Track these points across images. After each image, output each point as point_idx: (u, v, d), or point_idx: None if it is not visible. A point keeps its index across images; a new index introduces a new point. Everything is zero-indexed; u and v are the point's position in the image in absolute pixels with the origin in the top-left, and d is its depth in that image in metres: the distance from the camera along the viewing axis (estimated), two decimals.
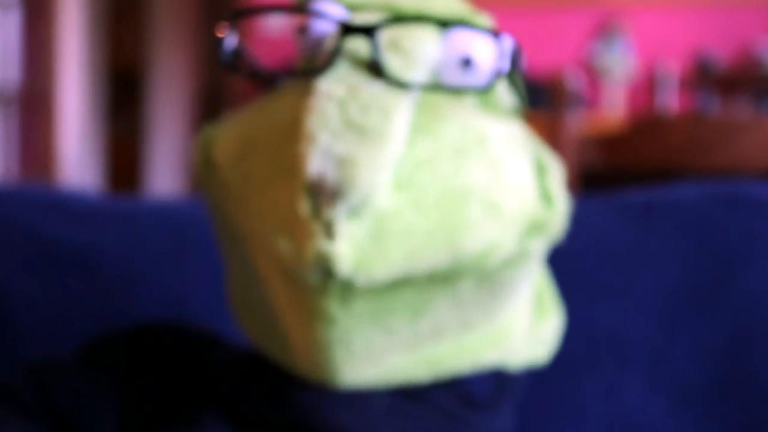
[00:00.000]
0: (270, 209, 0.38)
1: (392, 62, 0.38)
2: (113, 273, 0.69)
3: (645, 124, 1.13)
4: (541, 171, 0.43)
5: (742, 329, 0.62)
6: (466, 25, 0.40)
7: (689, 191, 0.68)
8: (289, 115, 0.39)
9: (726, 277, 0.63)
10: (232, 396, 0.47)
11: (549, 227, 0.41)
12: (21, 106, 3.43)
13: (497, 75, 0.40)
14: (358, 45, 0.38)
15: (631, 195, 0.69)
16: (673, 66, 2.57)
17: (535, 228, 0.40)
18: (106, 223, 0.71)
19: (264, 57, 0.47)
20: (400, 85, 0.37)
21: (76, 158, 3.73)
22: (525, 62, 0.42)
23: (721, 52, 3.15)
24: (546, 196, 0.42)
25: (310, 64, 0.42)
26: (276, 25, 3.54)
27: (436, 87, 0.39)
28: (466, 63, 0.40)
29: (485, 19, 0.44)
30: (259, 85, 0.47)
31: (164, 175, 4.58)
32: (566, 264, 0.62)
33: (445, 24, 0.40)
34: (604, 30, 3.38)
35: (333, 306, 0.38)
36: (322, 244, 0.35)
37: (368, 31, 0.37)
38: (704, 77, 2.16)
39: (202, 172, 0.44)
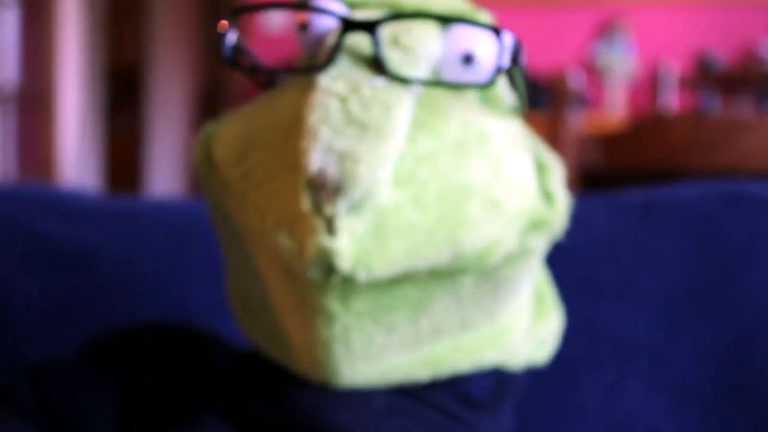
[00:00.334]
0: (271, 205, 0.38)
1: (393, 58, 0.38)
2: (112, 273, 0.68)
3: (646, 123, 1.13)
4: (541, 169, 0.43)
5: (743, 329, 0.62)
6: (466, 21, 0.40)
7: (690, 191, 0.68)
8: (290, 111, 0.39)
9: (727, 276, 0.63)
10: (232, 396, 0.47)
11: (550, 225, 0.41)
12: (19, 106, 3.43)
13: (498, 71, 0.40)
14: (359, 41, 0.38)
15: (631, 194, 0.69)
16: (675, 66, 2.57)
17: (535, 225, 0.40)
18: (106, 222, 0.71)
19: (264, 55, 0.47)
20: (401, 81, 0.37)
21: (75, 158, 3.73)
22: (526, 61, 0.42)
23: (723, 52, 3.15)
24: (546, 194, 0.42)
25: (311, 60, 0.42)
26: (275, 23, 3.54)
27: (437, 83, 0.39)
28: (467, 59, 0.40)
29: (486, 16, 0.44)
30: (259, 82, 0.46)
31: (164, 175, 4.58)
32: (567, 264, 0.62)
33: (445, 20, 0.40)
34: (605, 29, 3.38)
35: (333, 303, 0.38)
36: (323, 239, 0.35)
37: (369, 27, 0.38)
38: (706, 77, 2.16)
39: (203, 169, 0.44)
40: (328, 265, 0.35)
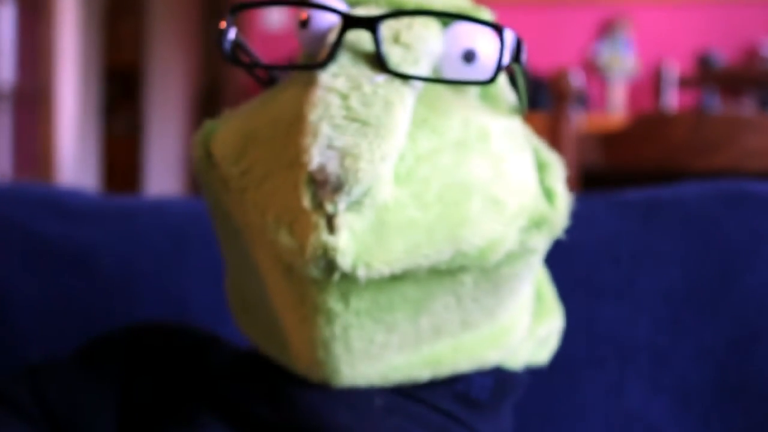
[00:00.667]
0: (271, 203, 0.38)
1: (394, 55, 0.37)
2: (112, 272, 0.68)
3: (646, 122, 1.13)
4: (541, 167, 0.43)
5: (744, 329, 0.62)
6: (468, 18, 0.40)
7: (691, 190, 0.68)
8: (291, 108, 0.39)
9: (728, 276, 0.63)
10: (231, 396, 0.46)
11: (551, 223, 0.41)
12: (16, 105, 3.42)
13: (500, 69, 0.39)
14: (360, 38, 0.38)
15: (632, 194, 0.69)
16: (677, 65, 2.57)
17: (536, 224, 0.40)
18: (105, 222, 0.71)
19: (262, 53, 0.47)
20: (403, 77, 0.37)
21: (73, 158, 3.72)
22: (527, 60, 0.42)
23: (725, 51, 3.15)
24: (547, 192, 0.42)
25: (311, 57, 0.42)
26: (274, 21, 3.54)
27: (439, 80, 0.39)
28: (468, 57, 0.40)
29: (488, 14, 0.43)
30: (259, 80, 0.46)
31: (162, 176, 4.58)
32: (567, 264, 0.62)
33: (446, 17, 0.40)
34: (607, 28, 3.38)
35: (333, 301, 0.38)
36: (323, 236, 0.35)
37: (370, 24, 0.37)
38: (708, 76, 2.16)
39: (202, 166, 0.44)
40: (328, 263, 0.35)
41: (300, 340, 0.41)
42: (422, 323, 0.41)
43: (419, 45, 0.38)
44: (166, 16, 4.50)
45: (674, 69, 2.23)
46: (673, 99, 2.23)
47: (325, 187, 0.35)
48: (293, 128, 0.38)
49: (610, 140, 1.13)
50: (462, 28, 0.40)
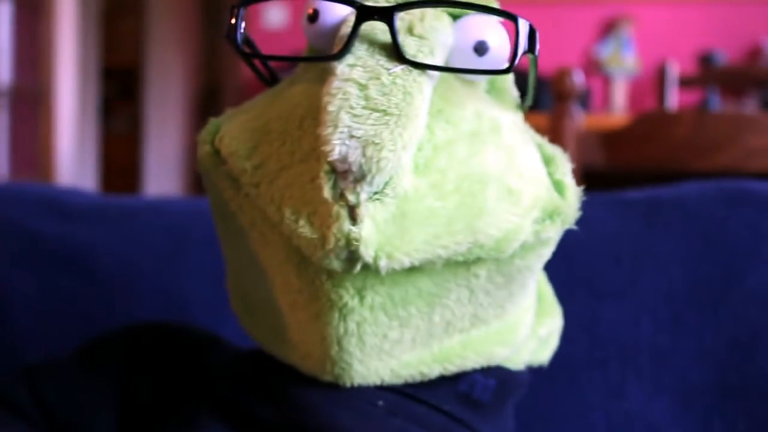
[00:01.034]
0: (288, 196, 0.38)
1: (410, 46, 0.38)
2: (111, 272, 0.68)
3: (648, 121, 1.12)
4: (548, 161, 0.43)
5: (745, 329, 0.61)
6: (480, 8, 0.40)
7: (692, 189, 0.68)
8: (302, 102, 0.39)
9: (730, 276, 0.62)
10: (231, 396, 0.46)
11: (564, 214, 0.41)
12: (14, 104, 3.42)
13: (516, 57, 0.39)
14: (373, 29, 0.38)
15: (634, 194, 0.69)
16: (679, 64, 2.57)
17: (549, 215, 0.40)
18: (105, 222, 0.71)
19: (262, 51, 0.46)
20: (420, 67, 0.37)
21: (71, 158, 3.72)
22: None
23: (728, 50, 3.15)
24: (557, 185, 0.42)
25: (320, 51, 0.42)
26: (274, 18, 3.54)
27: (458, 70, 0.39)
28: (480, 48, 0.40)
29: (496, 5, 0.43)
30: (262, 76, 0.46)
31: (161, 176, 4.58)
32: (568, 264, 0.62)
33: (460, 7, 0.40)
34: (608, 27, 3.38)
35: (348, 296, 0.38)
36: (346, 227, 0.35)
37: (386, 14, 0.37)
38: (710, 75, 2.16)
39: (209, 163, 0.43)
40: (351, 253, 0.35)
41: (312, 338, 0.41)
42: (435, 318, 0.41)
43: (433, 36, 0.38)
44: (165, 15, 4.50)
45: (676, 68, 2.23)
46: (674, 98, 2.23)
47: (347, 177, 0.35)
48: (306, 121, 0.38)
49: (611, 139, 1.13)
50: (472, 20, 0.40)
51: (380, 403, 0.43)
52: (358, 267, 0.36)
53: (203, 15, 4.72)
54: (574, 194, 0.42)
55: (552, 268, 0.53)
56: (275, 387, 0.45)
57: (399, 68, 0.36)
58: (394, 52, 0.37)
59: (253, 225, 0.41)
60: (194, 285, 0.68)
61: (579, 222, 0.43)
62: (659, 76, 2.26)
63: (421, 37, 0.38)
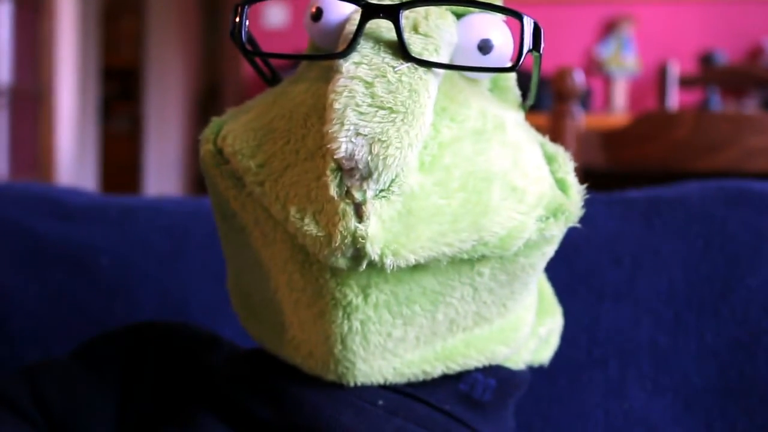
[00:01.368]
0: (293, 194, 0.38)
1: (415, 44, 0.38)
2: (110, 272, 0.68)
3: (648, 120, 1.12)
4: (550, 159, 0.43)
5: (746, 329, 0.61)
6: (484, 7, 0.40)
7: (693, 189, 0.68)
8: (308, 99, 0.39)
9: (731, 276, 0.62)
10: (231, 396, 0.46)
11: (567, 212, 0.41)
12: (14, 104, 3.41)
13: (522, 55, 0.40)
14: (378, 27, 0.38)
15: (634, 193, 0.69)
16: (679, 64, 2.57)
17: (553, 213, 0.40)
18: (104, 221, 0.71)
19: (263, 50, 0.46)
20: (426, 65, 0.37)
21: (72, 157, 3.72)
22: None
23: (728, 50, 3.14)
24: (560, 183, 0.42)
25: (324, 50, 0.42)
26: (274, 18, 3.54)
27: (464, 68, 0.39)
28: (484, 47, 0.40)
29: (500, 3, 0.43)
30: (263, 76, 0.46)
31: (161, 176, 4.58)
32: (569, 264, 0.62)
33: (464, 5, 0.40)
34: (609, 27, 3.38)
35: (352, 294, 0.38)
36: (352, 224, 0.35)
37: (392, 12, 0.37)
38: (710, 75, 2.16)
39: (211, 162, 0.43)
40: (357, 251, 0.35)
41: (315, 337, 0.41)
42: (439, 316, 0.41)
43: (438, 34, 0.38)
44: (165, 15, 4.50)
45: (676, 68, 2.23)
46: (675, 98, 2.23)
47: (353, 175, 0.35)
48: (311, 119, 0.38)
49: (611, 139, 1.13)
50: (476, 19, 0.40)
51: (380, 402, 0.43)
52: (364, 265, 0.36)
53: (203, 15, 4.72)
54: (577, 192, 0.42)
55: (552, 268, 0.53)
56: (275, 387, 0.45)
57: (405, 66, 0.36)
58: (400, 50, 0.37)
59: (256, 224, 0.41)
60: (194, 285, 0.68)
61: (579, 221, 0.43)
62: (660, 76, 2.26)
63: (426, 35, 0.38)
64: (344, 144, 0.35)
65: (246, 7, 0.41)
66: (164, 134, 4.58)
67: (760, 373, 0.60)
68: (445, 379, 0.45)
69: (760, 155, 1.01)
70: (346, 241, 0.35)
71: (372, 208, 0.35)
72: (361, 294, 0.39)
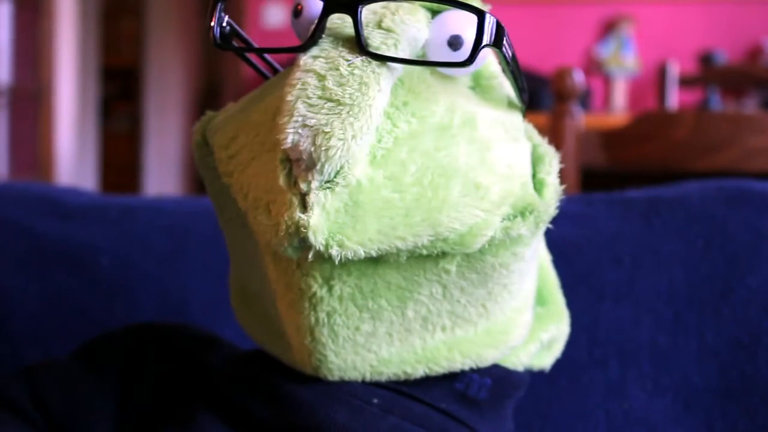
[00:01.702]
0: (253, 185, 0.39)
1: (374, 39, 0.38)
2: (110, 272, 0.68)
3: (648, 120, 1.12)
4: (537, 159, 0.43)
5: (747, 329, 0.61)
6: (445, 2, 0.40)
7: (693, 189, 0.68)
8: (278, 93, 0.40)
9: (731, 276, 0.62)
10: (230, 397, 0.46)
11: (537, 212, 0.40)
12: (14, 103, 3.41)
13: (477, 50, 0.39)
14: (344, 23, 0.39)
15: (634, 193, 0.69)
16: (679, 63, 2.58)
17: (521, 212, 0.40)
18: (104, 221, 0.71)
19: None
20: (379, 59, 0.37)
21: (71, 157, 3.72)
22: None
23: (728, 50, 3.15)
24: (538, 182, 0.42)
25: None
26: (272, 18, 3.54)
27: (413, 62, 0.39)
28: (453, 43, 0.40)
29: (477, 2, 0.43)
30: (261, 72, 0.47)
31: (161, 176, 4.57)
32: (569, 264, 0.62)
33: (437, 4, 0.40)
34: (609, 27, 3.38)
35: (315, 285, 0.39)
36: (296, 214, 0.36)
37: (351, 7, 0.38)
38: (710, 75, 2.16)
39: (199, 155, 0.45)
40: (301, 241, 0.36)
41: (290, 329, 0.42)
42: (408, 313, 0.41)
43: (400, 29, 0.38)
44: (165, 15, 4.50)
45: (676, 68, 2.23)
46: (675, 98, 2.23)
47: (299, 165, 0.36)
48: (277, 112, 0.38)
49: (611, 139, 1.13)
50: (450, 15, 0.40)
51: (375, 401, 0.43)
52: (311, 255, 0.36)
53: (203, 15, 4.71)
54: (553, 193, 0.42)
55: (553, 268, 0.53)
56: (273, 387, 0.45)
57: (358, 59, 0.37)
58: (357, 44, 0.37)
59: (237, 215, 0.42)
60: (194, 285, 0.68)
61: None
62: (659, 76, 2.27)
63: (388, 30, 0.38)
64: (291, 135, 0.35)
65: (219, 3, 0.41)
66: (164, 134, 4.58)
67: (761, 373, 0.60)
68: (441, 377, 0.44)
69: (759, 155, 1.01)
70: (290, 230, 0.36)
71: (315, 198, 0.36)
72: (325, 285, 0.39)
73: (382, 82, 0.37)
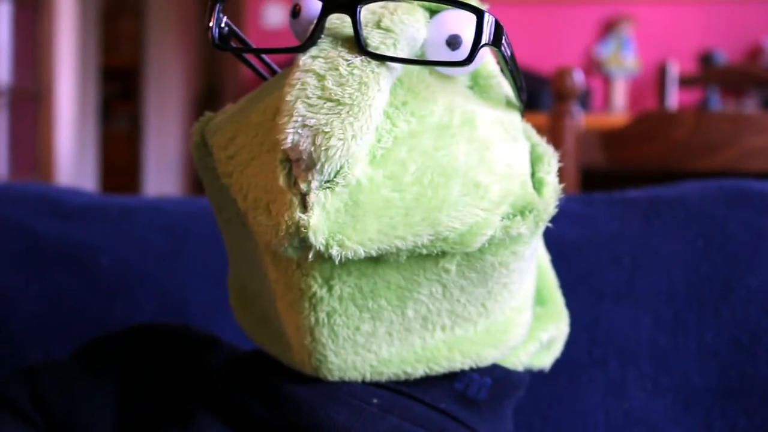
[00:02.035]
0: (253, 185, 0.39)
1: (373, 38, 0.38)
2: (110, 272, 0.68)
3: (648, 120, 1.12)
4: (536, 159, 0.43)
5: (747, 329, 0.61)
6: (452, 3, 0.40)
7: (693, 188, 0.68)
8: (277, 94, 0.40)
9: (731, 276, 0.62)
10: (230, 396, 0.46)
11: (536, 211, 0.41)
12: (14, 104, 3.41)
13: (476, 50, 0.39)
14: (343, 22, 0.39)
15: (634, 193, 0.69)
16: (679, 63, 2.58)
17: (521, 211, 0.40)
18: (104, 221, 0.71)
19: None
20: (378, 59, 0.37)
21: (71, 157, 3.72)
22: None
23: (728, 50, 3.15)
24: (537, 181, 0.42)
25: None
26: (272, 18, 3.54)
27: (412, 61, 0.40)
28: (452, 42, 0.40)
29: (475, 2, 0.43)
30: (259, 74, 0.48)
31: (161, 176, 4.57)
32: (568, 264, 0.62)
33: (435, 3, 0.40)
34: (609, 27, 3.38)
35: (315, 285, 0.39)
36: (296, 214, 0.36)
37: (349, 7, 0.38)
38: (710, 75, 2.16)
39: (197, 155, 0.45)
40: (301, 241, 0.36)
41: (290, 329, 0.42)
42: (408, 312, 0.41)
43: (399, 29, 0.38)
44: (165, 15, 4.50)
45: (676, 68, 2.23)
46: (674, 98, 2.23)
47: (299, 165, 0.36)
48: (276, 112, 0.38)
49: (611, 139, 1.13)
50: (449, 15, 0.40)
51: (375, 401, 0.43)
52: (312, 255, 0.36)
53: (203, 15, 4.71)
54: (552, 192, 0.42)
55: (552, 268, 0.53)
56: (273, 387, 0.45)
57: (358, 59, 0.37)
58: (356, 43, 0.37)
59: (237, 215, 0.42)
60: (194, 285, 0.68)
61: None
62: (659, 76, 2.27)
63: (387, 29, 0.38)
64: (290, 135, 0.35)
65: (218, 4, 0.41)
66: (164, 134, 4.58)
67: (761, 373, 0.60)
68: (440, 377, 0.44)
69: (759, 155, 1.01)
70: (290, 230, 0.36)
71: (315, 198, 0.36)
72: (325, 286, 0.39)
73: (381, 81, 0.37)
